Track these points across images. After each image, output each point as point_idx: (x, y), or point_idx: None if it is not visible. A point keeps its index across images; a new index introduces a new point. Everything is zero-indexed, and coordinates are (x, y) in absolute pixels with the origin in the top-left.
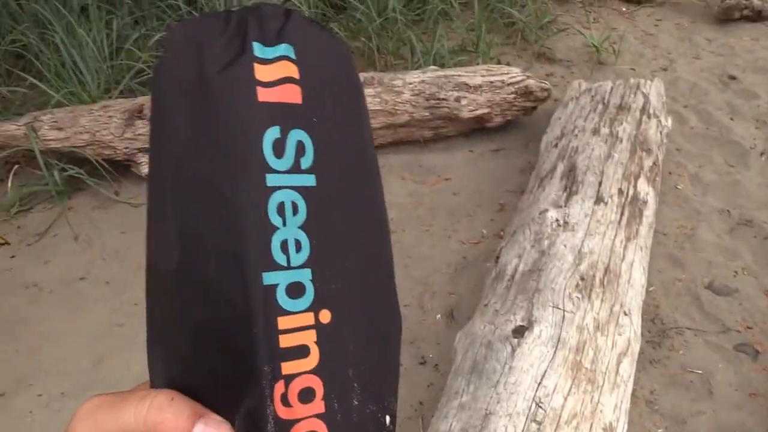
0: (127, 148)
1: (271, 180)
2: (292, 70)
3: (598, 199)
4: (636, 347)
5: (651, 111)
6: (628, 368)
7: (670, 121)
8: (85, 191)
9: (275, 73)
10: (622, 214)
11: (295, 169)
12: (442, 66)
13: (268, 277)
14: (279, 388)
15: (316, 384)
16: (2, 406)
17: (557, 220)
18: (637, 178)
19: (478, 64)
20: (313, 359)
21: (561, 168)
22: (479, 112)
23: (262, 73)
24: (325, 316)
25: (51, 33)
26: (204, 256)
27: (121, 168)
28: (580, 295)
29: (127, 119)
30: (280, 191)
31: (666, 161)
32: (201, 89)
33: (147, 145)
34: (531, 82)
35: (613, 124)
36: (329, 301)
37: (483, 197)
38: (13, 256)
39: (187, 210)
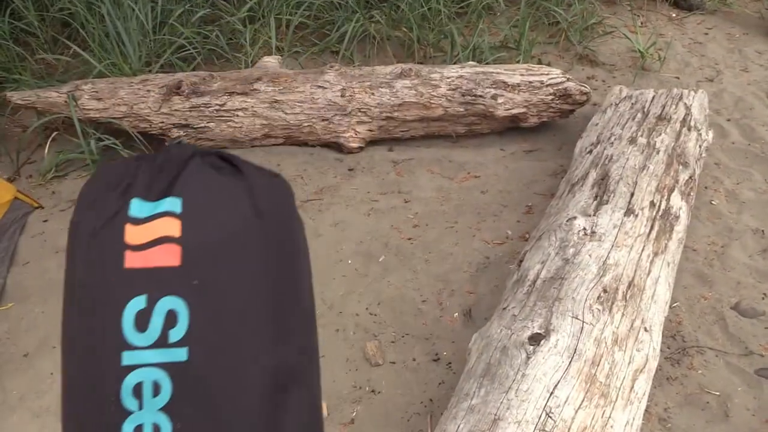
0: (162, 122)
1: (129, 358)
2: (173, 228)
3: (629, 211)
4: (654, 365)
5: (692, 123)
6: (643, 385)
7: (711, 134)
8: None
9: (149, 234)
10: (651, 227)
11: (161, 342)
12: (481, 61)
13: None
14: None
15: None
16: (26, 367)
17: (584, 228)
18: (671, 191)
19: (518, 62)
20: None
21: (593, 175)
22: (515, 111)
23: (133, 235)
24: None
25: (98, 3)
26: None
27: (155, 142)
28: (601, 308)
29: (165, 94)
30: (138, 371)
31: (703, 175)
32: (81, 249)
33: (182, 121)
34: (571, 84)
35: (651, 134)
36: None
37: (511, 198)
38: (45, 221)
39: (68, 357)
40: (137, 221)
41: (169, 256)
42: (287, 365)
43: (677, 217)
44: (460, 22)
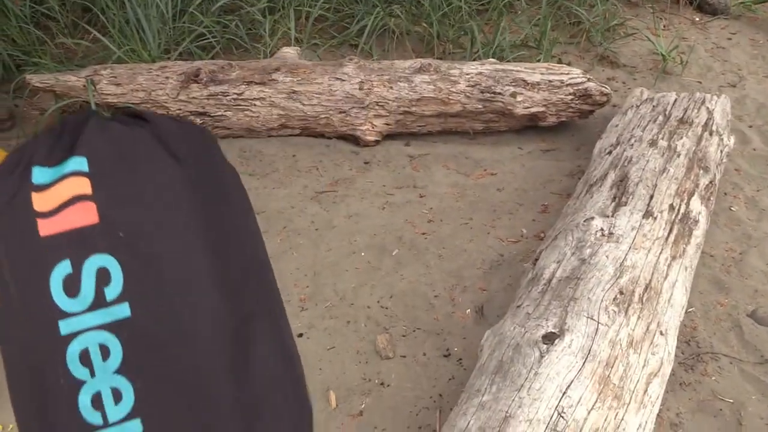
0: (180, 110)
1: (66, 326)
2: (83, 186)
3: (647, 213)
4: (668, 369)
5: (714, 128)
6: (657, 389)
7: (732, 140)
8: None
9: (58, 197)
10: (670, 231)
11: (99, 303)
12: (501, 59)
13: None
14: None
15: None
16: None
17: (602, 229)
18: (690, 195)
19: (538, 60)
20: None
21: (612, 177)
22: (534, 110)
23: (41, 202)
24: None
25: None
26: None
27: None
28: (616, 309)
29: (183, 82)
30: (80, 337)
31: (723, 181)
32: None
33: (200, 109)
34: (591, 85)
35: (672, 138)
36: None
37: (527, 196)
38: None
39: (5, 346)
40: (42, 188)
41: (86, 215)
42: (239, 301)
43: (696, 222)
44: (481, 20)
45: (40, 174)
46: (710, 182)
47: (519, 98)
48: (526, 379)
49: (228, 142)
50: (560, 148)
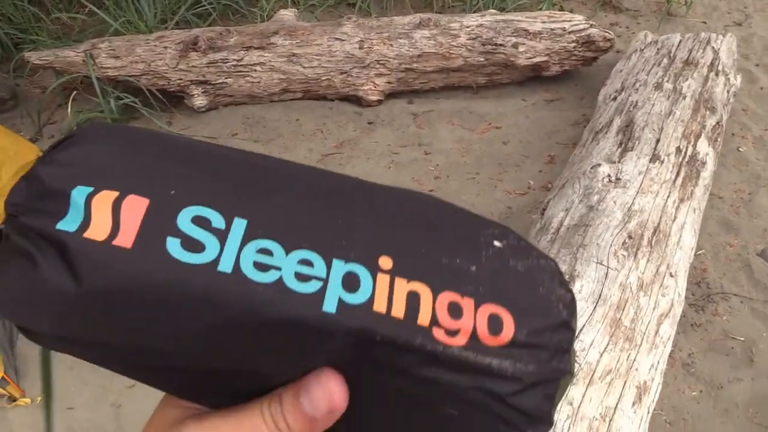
0: (180, 79)
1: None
2: (112, 198)
3: (654, 157)
4: (678, 310)
5: (720, 68)
6: (668, 330)
7: (739, 79)
8: (139, 120)
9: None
10: (678, 173)
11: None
12: (503, 9)
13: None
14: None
15: (426, 299)
16: None
17: (609, 175)
18: (697, 137)
19: (540, 9)
20: (416, 284)
21: (618, 122)
22: (537, 60)
23: (94, 230)
24: (387, 262)
25: None
26: None
27: (173, 99)
28: (626, 253)
29: (182, 50)
30: (223, 258)
31: (730, 122)
32: None
33: (200, 78)
34: (594, 31)
35: (677, 80)
36: (364, 250)
37: (532, 148)
38: None
39: None
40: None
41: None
42: None
43: (704, 164)
44: None
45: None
46: (717, 123)
47: (521, 49)
48: None
49: (231, 109)
50: (564, 98)
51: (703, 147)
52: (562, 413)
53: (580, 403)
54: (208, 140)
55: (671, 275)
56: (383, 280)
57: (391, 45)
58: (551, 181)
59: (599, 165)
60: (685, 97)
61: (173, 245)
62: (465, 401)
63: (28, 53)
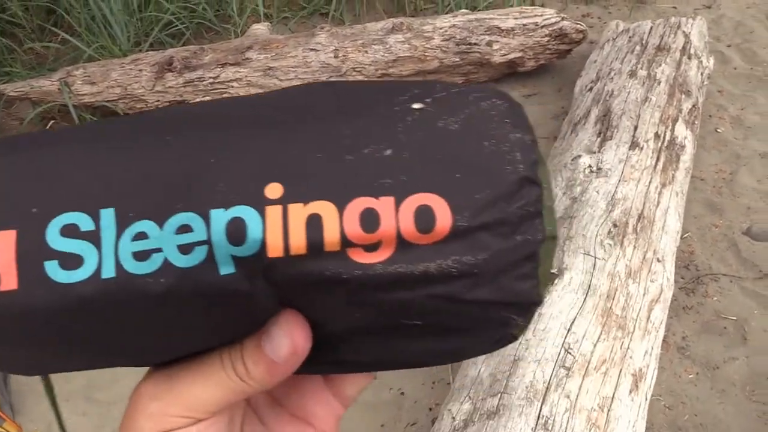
0: (158, 101)
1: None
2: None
3: (633, 144)
4: (668, 294)
5: (692, 51)
6: (660, 315)
7: (712, 61)
8: None
9: None
10: (658, 159)
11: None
12: (474, 9)
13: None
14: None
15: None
16: None
17: (590, 166)
18: (674, 121)
19: (511, 5)
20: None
21: (595, 112)
22: (511, 56)
23: None
24: (276, 189)
25: None
26: None
27: None
28: (612, 242)
29: (157, 72)
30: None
31: (706, 104)
32: None
33: (178, 98)
34: (566, 24)
35: (651, 66)
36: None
37: None
38: None
39: None
40: None
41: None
42: None
43: (683, 147)
44: None
45: None
46: (693, 106)
47: (495, 46)
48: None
49: None
50: (542, 92)
51: (681, 131)
52: (559, 406)
53: (578, 396)
54: None
55: (658, 260)
56: (274, 213)
57: (366, 52)
58: None
59: (580, 156)
60: (659, 83)
61: (53, 269)
62: (423, 311)
63: (2, 86)
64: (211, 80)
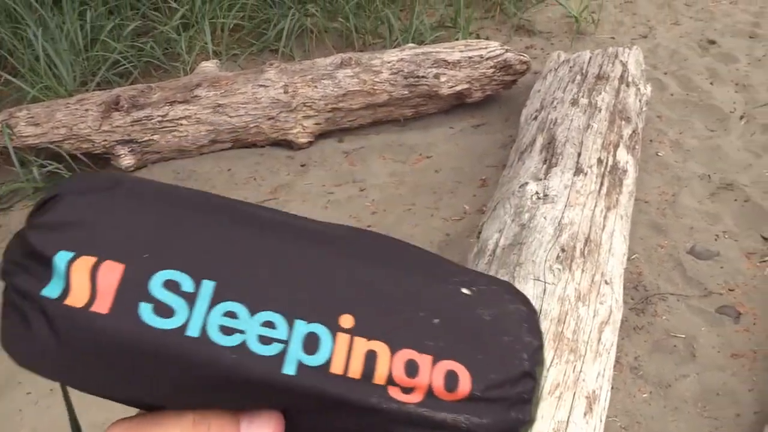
0: (105, 140)
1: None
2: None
3: (578, 170)
4: (618, 315)
5: (630, 79)
6: (610, 336)
7: (649, 88)
8: None
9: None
10: (601, 184)
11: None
12: (422, 43)
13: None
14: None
15: (385, 360)
16: None
17: (537, 192)
18: (616, 147)
19: (457, 39)
20: (372, 347)
21: (540, 140)
22: (459, 88)
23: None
24: (347, 321)
25: (23, 27)
26: None
27: (100, 161)
28: (561, 267)
29: (104, 111)
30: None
31: (647, 129)
32: None
33: (126, 137)
34: (510, 55)
35: (591, 94)
36: (325, 312)
37: (464, 174)
38: None
39: None
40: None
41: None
42: None
43: (625, 171)
44: (396, 7)
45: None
46: (633, 131)
47: (443, 78)
48: None
49: (160, 165)
50: (490, 122)
51: (623, 155)
52: None
53: None
54: None
55: (606, 282)
56: (343, 340)
57: (316, 86)
58: (486, 204)
59: (527, 183)
60: (600, 110)
61: (145, 311)
62: None
63: None
64: (159, 118)
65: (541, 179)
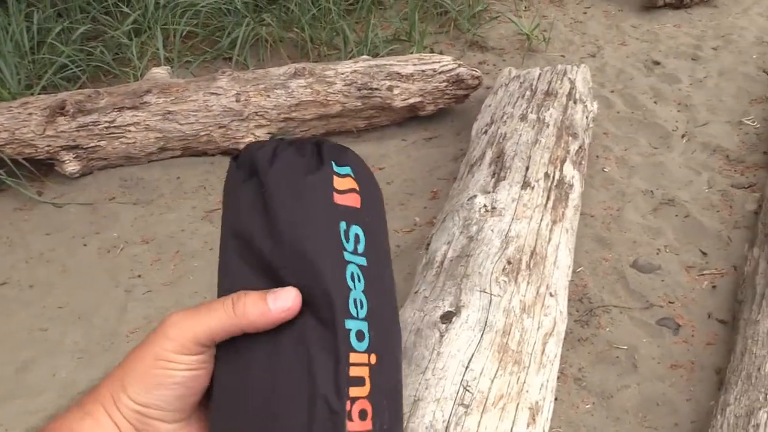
0: (49, 146)
1: (345, 256)
2: (354, 184)
3: (525, 184)
4: (562, 327)
5: (577, 96)
6: (554, 348)
7: (596, 105)
8: (6, 192)
9: (345, 185)
10: (548, 198)
11: (355, 251)
12: (376, 56)
13: (348, 323)
14: (347, 405)
15: (368, 407)
16: None
17: (485, 205)
18: (563, 162)
19: (411, 53)
20: (366, 389)
21: (490, 154)
22: (412, 100)
23: (337, 183)
24: (374, 358)
25: None
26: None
27: (43, 167)
28: (507, 279)
29: (49, 116)
30: (350, 264)
31: (594, 145)
32: (288, 190)
33: (71, 143)
34: (462, 70)
35: (540, 110)
36: (376, 347)
37: (416, 186)
38: None
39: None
40: (339, 175)
41: (355, 201)
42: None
43: (571, 186)
44: (351, 19)
45: (335, 167)
46: (580, 147)
47: (396, 91)
48: (430, 360)
49: (106, 172)
50: (442, 135)
51: (569, 170)
52: None
53: None
54: (85, 206)
55: (551, 295)
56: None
57: (269, 96)
58: (436, 216)
59: (475, 196)
60: (548, 126)
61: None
62: None
63: None
64: (106, 124)
65: (489, 192)
